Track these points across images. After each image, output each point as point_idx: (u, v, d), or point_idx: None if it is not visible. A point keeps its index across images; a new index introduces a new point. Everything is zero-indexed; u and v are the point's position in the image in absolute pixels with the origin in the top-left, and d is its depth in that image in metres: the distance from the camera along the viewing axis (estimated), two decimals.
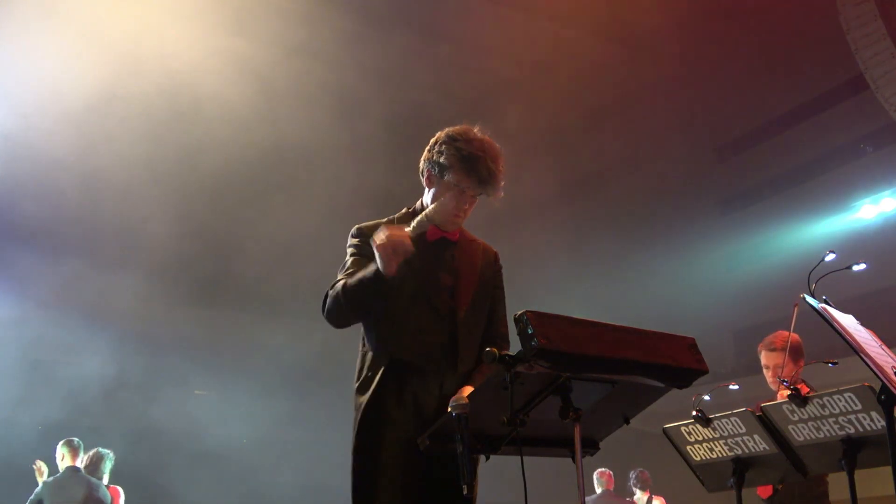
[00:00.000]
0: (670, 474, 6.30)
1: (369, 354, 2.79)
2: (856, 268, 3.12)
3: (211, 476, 10.67)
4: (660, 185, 14.19)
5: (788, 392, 3.11)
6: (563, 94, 11.34)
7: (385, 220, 2.90)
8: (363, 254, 2.79)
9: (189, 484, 10.60)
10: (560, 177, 12.34)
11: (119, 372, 10.43)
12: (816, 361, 3.85)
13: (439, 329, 2.76)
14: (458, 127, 2.88)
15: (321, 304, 2.81)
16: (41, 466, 6.93)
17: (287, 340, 11.33)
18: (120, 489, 7.17)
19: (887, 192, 13.40)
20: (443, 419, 2.28)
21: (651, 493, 8.73)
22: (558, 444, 2.45)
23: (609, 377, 2.29)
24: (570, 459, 2.36)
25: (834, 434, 2.99)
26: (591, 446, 2.57)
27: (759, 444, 3.23)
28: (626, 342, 2.26)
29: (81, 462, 6.87)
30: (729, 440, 3.33)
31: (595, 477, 8.56)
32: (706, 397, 3.63)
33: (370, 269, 2.65)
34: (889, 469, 2.75)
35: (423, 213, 2.78)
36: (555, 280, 12.32)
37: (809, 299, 2.78)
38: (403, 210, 2.94)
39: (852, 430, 2.94)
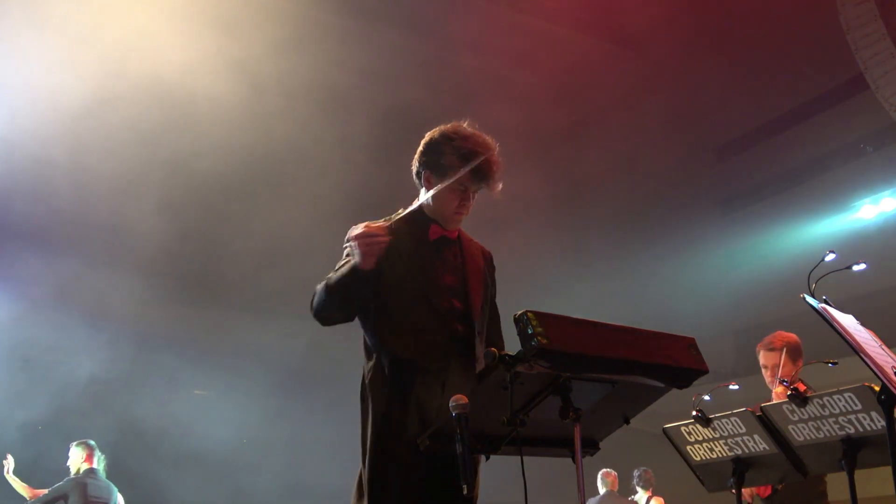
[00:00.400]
0: (670, 474, 6.30)
1: (372, 355, 2.79)
2: (856, 268, 3.11)
3: (198, 474, 10.65)
4: (659, 185, 14.16)
5: (786, 391, 3.12)
6: (560, 93, 11.32)
7: (382, 220, 2.90)
8: None
9: (176, 482, 10.59)
10: (559, 176, 12.31)
11: (107, 370, 10.41)
12: (816, 361, 3.85)
13: (440, 328, 2.76)
14: (449, 125, 2.87)
15: (309, 302, 2.83)
16: (10, 462, 6.99)
17: (276, 339, 11.32)
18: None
19: (887, 192, 13.38)
20: (443, 419, 2.28)
21: (652, 493, 8.73)
22: (558, 444, 2.45)
23: (609, 377, 2.29)
24: (570, 459, 2.36)
25: (834, 434, 2.99)
26: (591, 446, 2.57)
27: (759, 444, 3.24)
28: (626, 342, 2.26)
29: (98, 463, 6.93)
30: (729, 440, 3.33)
31: (599, 477, 8.54)
32: (706, 397, 3.62)
33: (349, 264, 2.67)
34: (889, 469, 2.75)
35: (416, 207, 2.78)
36: (554, 280, 12.30)
37: (809, 299, 2.78)
38: (400, 210, 2.93)
39: (852, 430, 2.94)
